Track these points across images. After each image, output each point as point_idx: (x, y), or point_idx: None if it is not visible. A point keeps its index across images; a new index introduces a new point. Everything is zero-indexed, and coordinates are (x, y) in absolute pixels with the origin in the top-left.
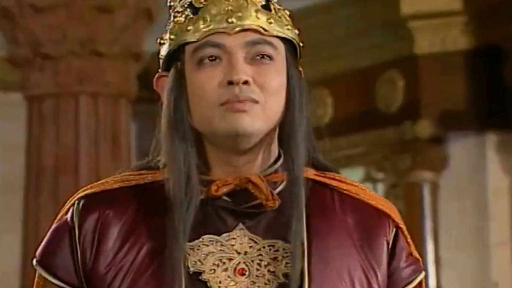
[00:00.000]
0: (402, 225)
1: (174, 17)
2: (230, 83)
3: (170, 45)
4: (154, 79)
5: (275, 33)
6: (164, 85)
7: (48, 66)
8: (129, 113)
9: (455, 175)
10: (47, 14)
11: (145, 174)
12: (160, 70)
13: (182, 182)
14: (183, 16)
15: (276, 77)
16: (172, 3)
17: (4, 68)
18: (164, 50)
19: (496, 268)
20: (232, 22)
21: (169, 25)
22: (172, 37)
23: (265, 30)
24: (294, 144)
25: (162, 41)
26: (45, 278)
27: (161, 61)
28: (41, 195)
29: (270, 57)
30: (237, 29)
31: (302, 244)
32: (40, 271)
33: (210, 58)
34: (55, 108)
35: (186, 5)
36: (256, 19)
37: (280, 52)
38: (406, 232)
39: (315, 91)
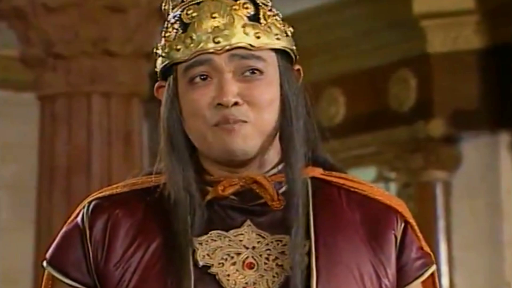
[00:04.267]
0: (411, 220)
1: (166, 28)
2: (220, 104)
3: (162, 62)
4: (155, 88)
5: (264, 46)
6: (163, 94)
7: (60, 65)
8: (141, 112)
9: (467, 175)
10: (59, 14)
11: (151, 178)
12: (159, 79)
13: (183, 200)
14: (173, 31)
15: (266, 90)
16: (165, 7)
17: (17, 68)
18: (158, 64)
19: (509, 267)
20: (219, 42)
21: (162, 33)
22: (164, 54)
23: (253, 46)
24: (292, 149)
25: (157, 52)
26: (56, 279)
27: (157, 71)
28: (53, 195)
29: (260, 71)
30: (225, 48)
31: (310, 240)
32: (52, 272)
33: (202, 77)
34: (67, 107)
35: (176, 18)
36: (244, 36)
37: (270, 63)
38: (415, 227)
39: (327, 90)
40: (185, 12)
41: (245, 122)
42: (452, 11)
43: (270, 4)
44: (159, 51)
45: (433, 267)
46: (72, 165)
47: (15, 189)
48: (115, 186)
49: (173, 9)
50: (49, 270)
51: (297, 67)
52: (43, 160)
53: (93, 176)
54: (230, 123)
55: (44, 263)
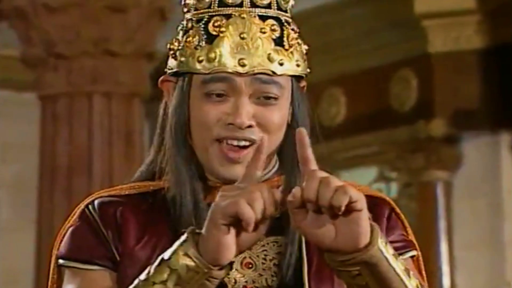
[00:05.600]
0: (397, 210)
1: (187, 29)
2: (231, 124)
3: (179, 66)
4: (160, 80)
5: (285, 73)
6: (169, 89)
7: (61, 65)
8: (142, 112)
9: (468, 175)
10: (61, 14)
11: (149, 183)
12: (167, 71)
13: (189, 203)
14: (196, 38)
15: (278, 115)
16: (188, 1)
17: (18, 68)
18: (172, 64)
19: (509, 267)
20: (243, 65)
21: (182, 33)
22: (182, 59)
23: (274, 73)
24: (297, 170)
25: (172, 48)
26: (79, 272)
27: (168, 67)
28: (54, 195)
29: (276, 97)
30: (249, 72)
31: (300, 236)
32: (75, 265)
33: (217, 93)
34: (68, 107)
35: (202, 24)
36: (268, 62)
37: (286, 88)
38: (402, 217)
39: (328, 90)
40: (212, 22)
41: (254, 142)
42: (453, 11)
43: (292, 21)
44: (176, 52)
45: (414, 252)
46: (73, 165)
47: (16, 189)
48: (112, 188)
49: (195, 10)
50: (71, 265)
51: (303, 84)
52: (44, 160)
53: (94, 176)
54: (238, 139)
55: (61, 261)
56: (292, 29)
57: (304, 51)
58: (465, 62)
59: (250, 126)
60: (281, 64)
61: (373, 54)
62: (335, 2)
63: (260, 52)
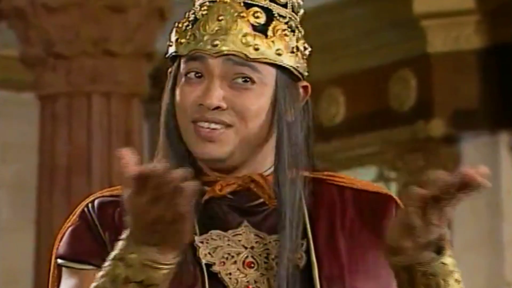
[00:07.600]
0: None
1: (184, 17)
2: (202, 105)
3: (169, 50)
4: (168, 73)
5: (260, 59)
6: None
7: (60, 65)
8: (142, 112)
9: None
10: (60, 14)
11: None
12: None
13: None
14: (186, 23)
15: (254, 101)
16: None
17: (17, 68)
18: (169, 51)
19: (509, 268)
20: (216, 45)
21: (178, 22)
22: (170, 43)
23: (247, 57)
24: (282, 169)
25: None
26: (72, 273)
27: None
28: (54, 195)
29: (252, 81)
30: (221, 53)
31: (307, 238)
32: (72, 265)
33: (197, 75)
34: (67, 107)
35: (193, 11)
36: (241, 45)
37: (266, 76)
38: None
39: (328, 90)
40: (200, 7)
41: (229, 126)
42: (453, 11)
43: (291, 17)
44: (171, 39)
45: None
46: (73, 165)
47: (15, 189)
48: (114, 188)
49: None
50: (68, 265)
51: (303, 83)
52: (43, 160)
53: (93, 176)
54: (209, 123)
55: (59, 260)
56: (286, 23)
57: (302, 49)
58: (465, 62)
59: (219, 108)
60: (256, 49)
61: (372, 54)
62: (335, 2)
63: (234, 36)
